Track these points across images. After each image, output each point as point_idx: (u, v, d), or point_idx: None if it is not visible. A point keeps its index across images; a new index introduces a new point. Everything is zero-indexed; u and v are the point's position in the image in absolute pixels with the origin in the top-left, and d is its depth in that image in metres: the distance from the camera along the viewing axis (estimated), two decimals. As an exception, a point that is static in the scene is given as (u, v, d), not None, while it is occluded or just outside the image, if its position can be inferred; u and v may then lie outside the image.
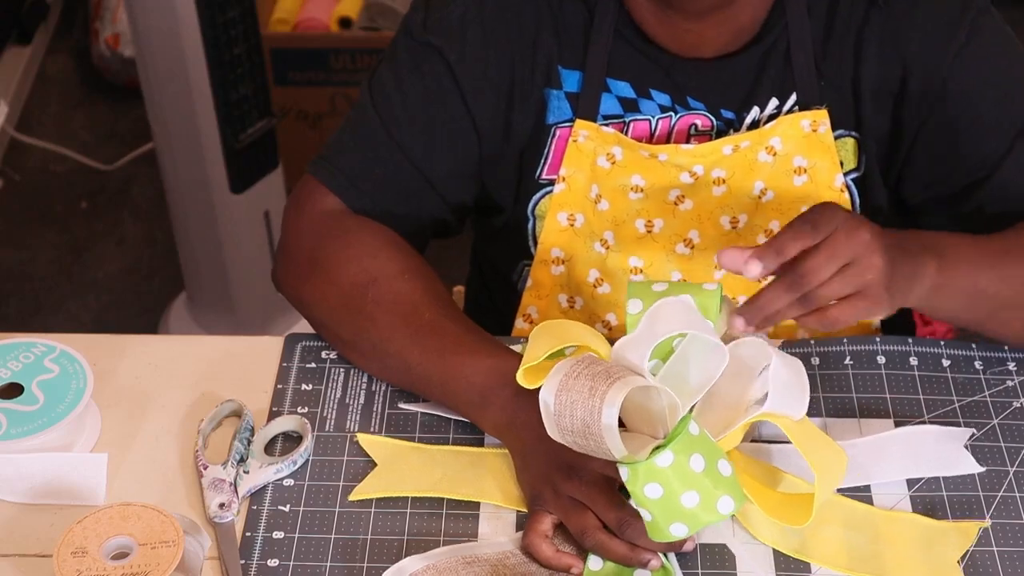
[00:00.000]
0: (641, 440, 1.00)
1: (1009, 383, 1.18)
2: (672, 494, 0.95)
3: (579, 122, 1.22)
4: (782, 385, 1.00)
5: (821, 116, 1.21)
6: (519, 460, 1.07)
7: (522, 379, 1.03)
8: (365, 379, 1.19)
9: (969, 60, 1.19)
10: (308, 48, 2.63)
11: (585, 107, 1.22)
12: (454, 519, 1.07)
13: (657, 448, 0.96)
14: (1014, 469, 1.11)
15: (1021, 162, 1.20)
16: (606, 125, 1.23)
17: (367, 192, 1.24)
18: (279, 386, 1.19)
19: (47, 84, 3.13)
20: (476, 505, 1.08)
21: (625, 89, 1.22)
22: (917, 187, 1.25)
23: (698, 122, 1.23)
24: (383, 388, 1.18)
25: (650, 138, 1.23)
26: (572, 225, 1.25)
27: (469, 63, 1.22)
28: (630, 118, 1.23)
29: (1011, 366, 1.19)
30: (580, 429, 0.97)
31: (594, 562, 1.02)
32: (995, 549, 1.05)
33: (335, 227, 1.22)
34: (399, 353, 1.14)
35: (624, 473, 0.95)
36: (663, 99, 1.22)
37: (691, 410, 1.01)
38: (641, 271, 1.27)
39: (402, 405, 1.16)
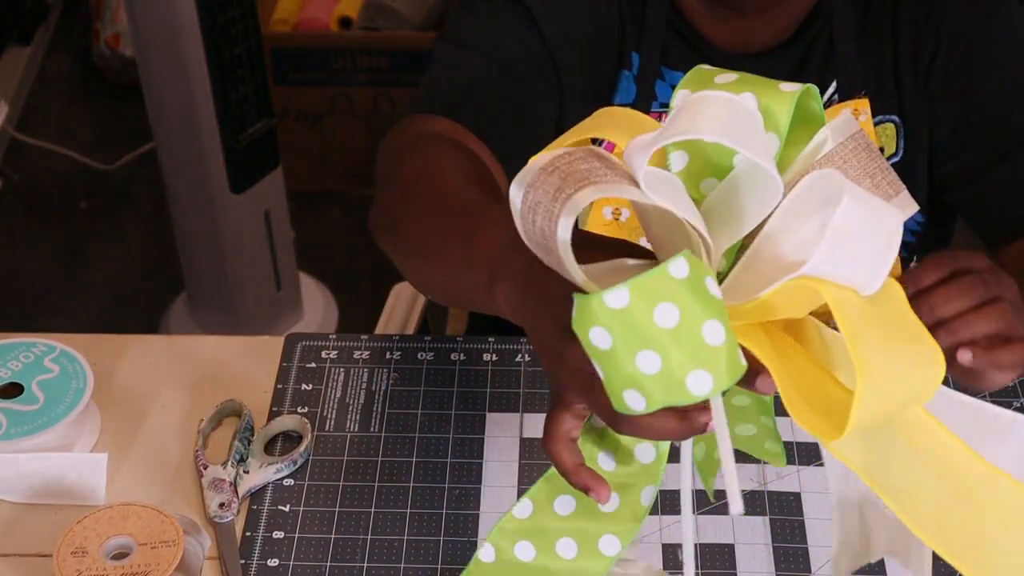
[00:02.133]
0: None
1: (1009, 383, 1.18)
2: (623, 350, 0.67)
3: None
4: (841, 236, 0.70)
5: (862, 105, 1.21)
6: (535, 339, 0.80)
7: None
8: (365, 379, 1.19)
9: (995, 30, 1.20)
10: (308, 48, 2.63)
11: (642, 95, 1.22)
12: (454, 519, 1.07)
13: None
14: (1014, 469, 1.10)
15: None
16: (659, 117, 1.22)
17: (444, 98, 1.16)
18: (279, 386, 1.19)
19: (47, 84, 3.13)
20: (476, 506, 1.08)
21: (680, 79, 1.22)
22: (942, 161, 1.24)
23: None
24: (383, 388, 1.18)
25: None
26: (617, 220, 1.24)
27: (552, 12, 1.19)
28: None
29: (1011, 366, 1.19)
30: (540, 242, 0.72)
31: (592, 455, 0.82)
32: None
33: (409, 144, 1.11)
34: (432, 250, 0.94)
35: (573, 307, 0.69)
36: None
37: (738, 249, 0.75)
38: None
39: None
